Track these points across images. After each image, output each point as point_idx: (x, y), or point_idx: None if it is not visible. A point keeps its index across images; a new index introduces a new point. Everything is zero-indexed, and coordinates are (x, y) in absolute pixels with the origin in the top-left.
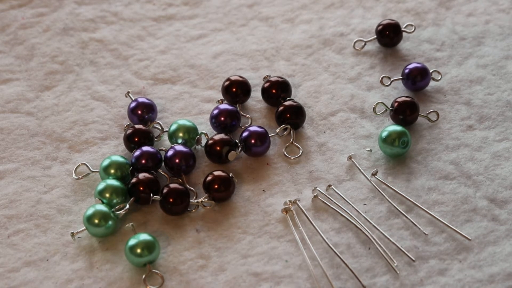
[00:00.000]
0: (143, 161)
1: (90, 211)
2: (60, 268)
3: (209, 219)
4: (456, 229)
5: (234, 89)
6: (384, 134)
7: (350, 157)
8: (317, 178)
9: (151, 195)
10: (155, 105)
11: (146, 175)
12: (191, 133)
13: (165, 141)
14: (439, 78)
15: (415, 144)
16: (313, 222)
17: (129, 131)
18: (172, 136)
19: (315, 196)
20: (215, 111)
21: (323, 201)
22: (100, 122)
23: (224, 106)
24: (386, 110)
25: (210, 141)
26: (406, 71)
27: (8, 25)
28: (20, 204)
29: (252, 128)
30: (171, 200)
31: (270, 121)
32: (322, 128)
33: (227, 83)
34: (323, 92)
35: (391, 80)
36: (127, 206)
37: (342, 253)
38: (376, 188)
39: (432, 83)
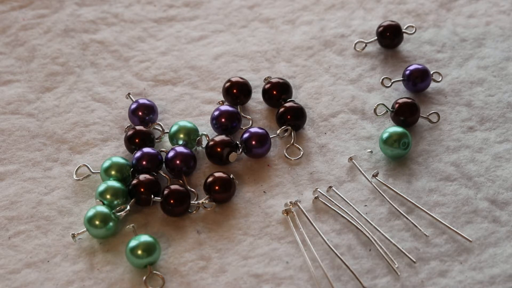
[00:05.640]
0: (144, 163)
1: (91, 213)
2: (60, 270)
3: (209, 221)
4: (457, 231)
5: (234, 91)
6: (385, 135)
7: (350, 159)
8: (317, 179)
9: (152, 196)
10: (155, 106)
11: (147, 176)
12: (191, 135)
13: (166, 143)
14: (440, 79)
15: (416, 146)
16: (313, 224)
17: (130, 132)
18: (173, 138)
19: (315, 198)
20: (216, 113)
21: (323, 203)
22: (101, 123)
23: (225, 107)
24: (387, 111)
25: (211, 143)
26: (407, 72)
27: (9, 27)
28: (21, 206)
29: (252, 130)
30: (171, 201)
31: (270, 122)
32: (323, 129)
33: (227, 84)
34: (324, 93)
35: (392, 81)
36: (128, 207)
37: (343, 255)
38: (377, 189)
39: (432, 85)
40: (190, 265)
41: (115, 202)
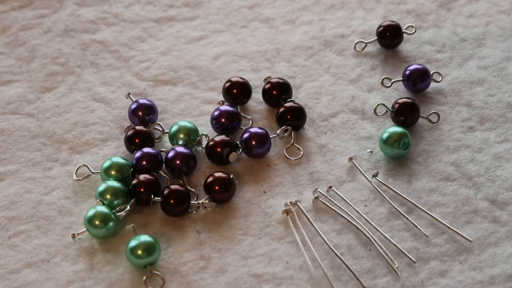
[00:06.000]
0: (144, 163)
1: (91, 213)
2: (60, 270)
3: (209, 221)
4: (457, 231)
5: (234, 91)
6: (385, 135)
7: (350, 159)
8: (317, 179)
9: (152, 196)
10: (155, 106)
11: (147, 176)
12: (191, 135)
13: (166, 143)
14: (440, 79)
15: (416, 146)
16: (313, 224)
17: (130, 132)
18: (173, 138)
19: (315, 198)
20: (216, 113)
21: (323, 203)
22: (101, 123)
23: (225, 107)
24: (387, 111)
25: (211, 143)
26: (407, 72)
27: (9, 27)
28: (21, 206)
29: (252, 130)
30: (171, 201)
31: (270, 122)
32: (323, 129)
33: (227, 84)
34: (324, 93)
35: (392, 81)
36: (128, 207)
37: (343, 255)
38: (377, 189)
39: (432, 85)
40: (190, 265)
41: (115, 202)
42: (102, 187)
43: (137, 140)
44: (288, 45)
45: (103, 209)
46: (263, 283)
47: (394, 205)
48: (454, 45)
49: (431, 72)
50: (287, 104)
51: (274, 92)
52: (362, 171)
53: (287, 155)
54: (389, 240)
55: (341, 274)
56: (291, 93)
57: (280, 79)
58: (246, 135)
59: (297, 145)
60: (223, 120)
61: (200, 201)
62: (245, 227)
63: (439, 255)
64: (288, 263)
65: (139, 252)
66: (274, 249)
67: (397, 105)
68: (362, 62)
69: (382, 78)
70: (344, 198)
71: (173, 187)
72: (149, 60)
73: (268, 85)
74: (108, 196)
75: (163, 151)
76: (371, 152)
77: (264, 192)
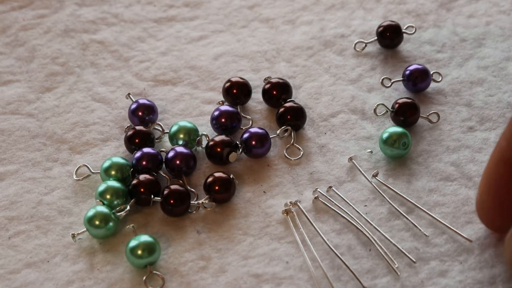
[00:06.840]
0: (144, 163)
1: (91, 213)
2: (60, 270)
3: (209, 221)
4: (457, 231)
5: (234, 91)
6: (385, 135)
7: (350, 159)
8: (317, 179)
9: (152, 196)
10: (155, 106)
11: (147, 176)
12: (191, 135)
13: (166, 143)
14: (440, 79)
15: (416, 146)
16: (313, 224)
17: (130, 132)
18: (173, 138)
19: (315, 198)
20: (216, 113)
21: (323, 203)
22: (101, 123)
23: (225, 107)
24: (387, 111)
25: (211, 143)
26: (407, 72)
27: (8, 27)
28: (21, 206)
29: (252, 130)
30: (171, 201)
31: (270, 122)
32: (323, 129)
33: (227, 84)
34: (324, 93)
35: (392, 81)
36: (128, 207)
37: (343, 255)
38: (377, 189)
39: (432, 85)
40: (190, 265)
41: (115, 202)
42: (102, 187)
43: (137, 140)
44: (288, 45)
45: (103, 209)
46: (263, 283)
47: (394, 205)
48: (454, 45)
49: (431, 72)
50: (287, 104)
51: (274, 92)
52: (362, 171)
53: (287, 155)
54: (389, 240)
55: (341, 274)
56: (291, 93)
57: (280, 79)
58: (246, 135)
59: (297, 145)
60: (223, 120)
61: (200, 201)
62: (245, 227)
63: (439, 255)
64: (288, 263)
65: (139, 252)
66: (274, 249)
67: (397, 105)
68: (362, 62)
69: (382, 78)
70: (344, 198)
71: (173, 187)
72: (149, 60)
73: (268, 85)
74: (108, 196)
75: (163, 151)
76: (371, 152)
77: (264, 192)
